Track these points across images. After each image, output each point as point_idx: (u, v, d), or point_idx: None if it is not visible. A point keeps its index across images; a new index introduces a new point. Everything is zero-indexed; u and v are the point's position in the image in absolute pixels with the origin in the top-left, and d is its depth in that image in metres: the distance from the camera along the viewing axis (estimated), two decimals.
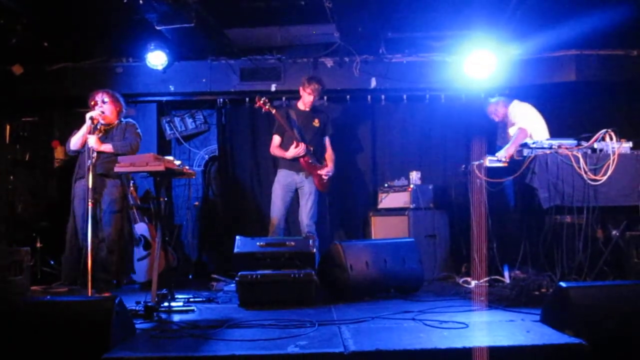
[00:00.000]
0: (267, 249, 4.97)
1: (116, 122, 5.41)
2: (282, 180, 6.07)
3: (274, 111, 6.01)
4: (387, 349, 3.06)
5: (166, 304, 4.46)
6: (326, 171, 6.09)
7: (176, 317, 4.21)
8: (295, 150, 5.94)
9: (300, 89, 6.13)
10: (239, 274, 4.67)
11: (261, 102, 6.01)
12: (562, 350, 3.07)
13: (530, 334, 3.38)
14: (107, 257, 5.09)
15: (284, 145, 6.07)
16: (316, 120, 6.18)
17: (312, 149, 6.07)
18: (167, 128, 7.35)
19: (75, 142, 5.15)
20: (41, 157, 7.26)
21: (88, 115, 4.87)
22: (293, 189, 6.09)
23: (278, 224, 5.99)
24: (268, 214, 6.68)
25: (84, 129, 5.01)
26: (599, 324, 3.15)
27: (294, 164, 6.04)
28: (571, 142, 5.03)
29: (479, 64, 6.50)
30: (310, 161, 6.03)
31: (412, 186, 6.46)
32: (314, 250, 5.02)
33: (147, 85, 7.01)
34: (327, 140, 6.28)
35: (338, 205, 7.04)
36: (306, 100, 6.12)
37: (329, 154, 6.25)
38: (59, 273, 6.29)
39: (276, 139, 6.15)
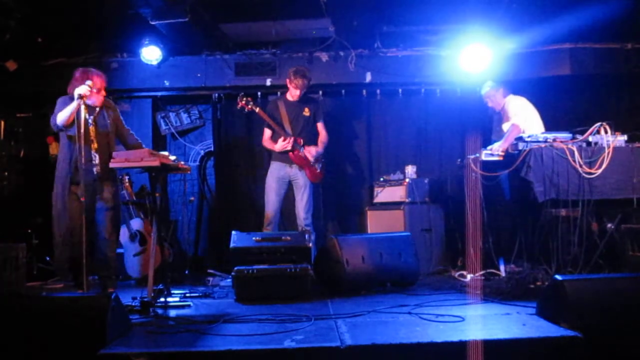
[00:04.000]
0: (263, 243, 4.98)
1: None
2: (275, 173, 6.07)
3: (257, 110, 6.01)
4: (383, 343, 3.06)
5: (162, 299, 4.46)
6: (310, 152, 6.03)
7: (172, 313, 4.21)
8: (283, 143, 5.94)
9: (287, 81, 6.11)
10: (235, 269, 4.68)
11: (243, 102, 6.03)
12: (558, 343, 3.09)
13: (525, 327, 3.39)
14: (107, 254, 4.98)
15: (275, 138, 6.07)
16: (306, 110, 6.16)
17: (301, 141, 6.04)
18: (162, 123, 7.33)
19: (63, 118, 4.72)
20: (36, 152, 7.23)
21: (77, 93, 4.49)
22: (287, 181, 6.09)
23: (273, 217, 5.99)
24: (264, 208, 6.69)
25: (73, 106, 4.61)
26: (594, 317, 3.17)
27: (285, 156, 6.04)
28: (566, 135, 5.04)
29: (474, 58, 6.49)
30: (299, 154, 6.02)
31: (407, 180, 6.46)
32: (310, 244, 5.03)
33: (142, 81, 6.98)
34: (319, 125, 6.24)
35: (334, 199, 7.04)
36: (293, 93, 6.10)
37: (322, 137, 6.21)
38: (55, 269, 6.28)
39: (267, 132, 6.15)
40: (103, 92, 5.00)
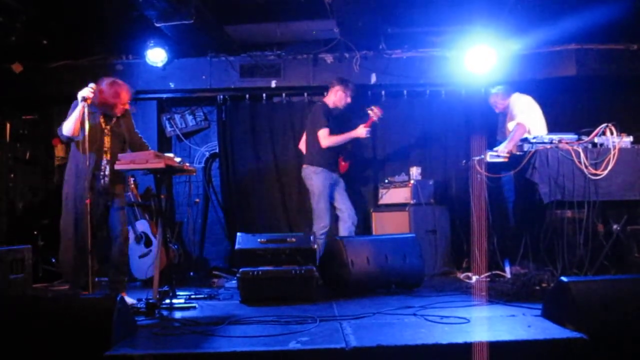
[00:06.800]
0: (268, 245, 4.97)
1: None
2: (326, 180, 6.03)
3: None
4: (388, 345, 3.06)
5: (168, 301, 4.47)
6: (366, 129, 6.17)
7: (178, 314, 4.22)
8: (366, 128, 6.10)
9: (339, 90, 6.17)
10: (240, 270, 4.68)
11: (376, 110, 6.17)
12: (563, 345, 3.08)
13: (531, 328, 3.39)
14: (120, 256, 4.90)
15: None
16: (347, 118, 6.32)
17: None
18: (168, 125, 7.35)
19: (68, 128, 4.59)
20: (42, 155, 7.26)
21: (80, 95, 4.42)
22: (333, 187, 6.12)
23: (330, 222, 6.06)
24: (269, 209, 6.78)
25: (77, 112, 4.54)
26: (599, 319, 3.16)
27: (333, 163, 6.12)
28: (572, 136, 5.03)
29: (479, 59, 6.48)
30: (343, 163, 6.29)
31: (412, 182, 6.45)
32: (315, 246, 5.02)
33: (147, 83, 6.99)
34: None
35: None
36: (343, 103, 6.21)
37: None
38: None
39: (327, 131, 6.02)
40: (127, 106, 4.94)
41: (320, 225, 5.98)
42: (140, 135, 5.15)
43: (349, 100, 6.20)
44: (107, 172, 4.76)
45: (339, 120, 6.26)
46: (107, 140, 4.81)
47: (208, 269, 6.74)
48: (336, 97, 6.20)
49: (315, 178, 6.03)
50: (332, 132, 6.03)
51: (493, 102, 6.14)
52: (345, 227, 6.06)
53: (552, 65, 6.72)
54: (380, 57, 6.96)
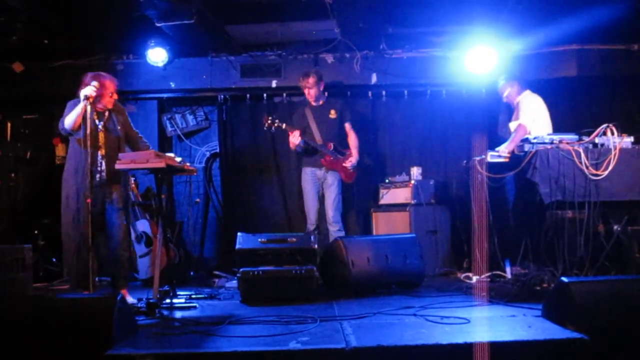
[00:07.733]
0: (269, 245, 4.97)
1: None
2: (309, 178, 6.23)
3: (284, 126, 6.11)
4: (388, 345, 3.06)
5: (168, 300, 4.47)
6: (350, 162, 6.20)
7: (178, 314, 4.23)
8: (291, 139, 6.06)
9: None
10: (241, 270, 4.69)
11: (269, 121, 6.12)
12: (564, 345, 3.08)
13: (531, 329, 3.39)
14: (122, 255, 4.88)
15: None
16: (332, 112, 6.29)
17: (332, 146, 6.20)
18: (168, 125, 7.35)
19: (70, 121, 4.69)
20: (42, 154, 7.26)
21: (82, 94, 4.48)
22: (319, 183, 6.24)
23: (316, 220, 6.18)
24: (269, 209, 6.82)
25: (79, 108, 4.59)
26: (600, 319, 3.16)
27: (316, 160, 6.17)
28: (572, 137, 5.02)
29: (479, 59, 6.48)
30: (332, 159, 6.18)
31: (413, 182, 6.45)
32: (316, 246, 5.02)
33: (148, 82, 7.00)
34: (347, 126, 6.36)
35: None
36: (307, 95, 6.25)
37: (352, 140, 6.32)
38: (62, 270, 6.30)
39: (291, 134, 6.18)
40: (115, 96, 4.96)
41: (308, 223, 6.18)
42: (136, 131, 5.16)
43: (310, 92, 6.20)
44: (103, 168, 4.77)
45: (324, 115, 6.31)
46: (101, 136, 4.81)
47: (208, 269, 6.73)
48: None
49: (302, 177, 6.30)
50: (319, 127, 6.20)
51: (506, 95, 5.99)
52: (332, 234, 6.15)
53: (553, 66, 6.71)
54: (381, 57, 6.95)
